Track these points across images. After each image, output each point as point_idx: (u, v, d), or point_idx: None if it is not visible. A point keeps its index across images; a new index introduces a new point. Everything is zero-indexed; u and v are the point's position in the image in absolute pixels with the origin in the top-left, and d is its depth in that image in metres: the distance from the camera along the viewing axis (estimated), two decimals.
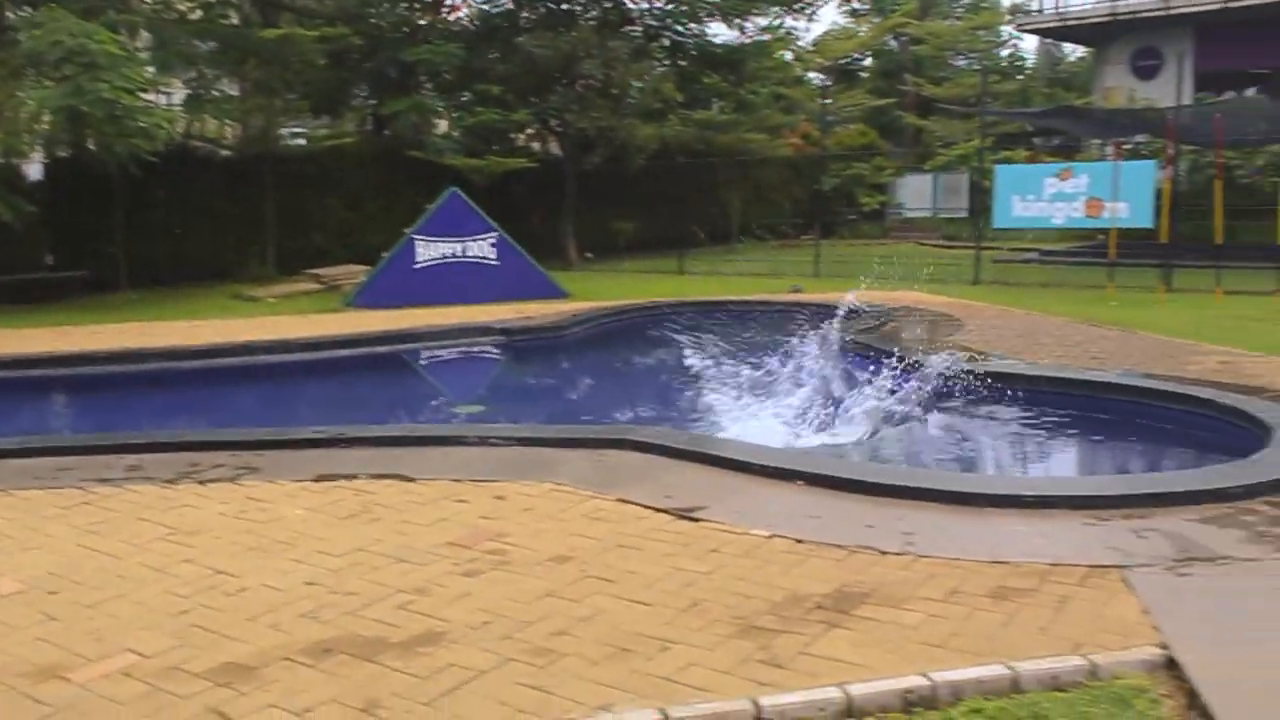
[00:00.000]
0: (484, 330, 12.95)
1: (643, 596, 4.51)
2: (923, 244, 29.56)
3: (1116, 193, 17.49)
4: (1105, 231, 18.69)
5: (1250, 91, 30.01)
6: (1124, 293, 16.88)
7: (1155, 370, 9.76)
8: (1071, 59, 46.07)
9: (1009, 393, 8.95)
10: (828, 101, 37.22)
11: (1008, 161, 26.13)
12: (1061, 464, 6.99)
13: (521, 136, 29.26)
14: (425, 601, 4.49)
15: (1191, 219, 22.44)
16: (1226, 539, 5.05)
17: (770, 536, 5.21)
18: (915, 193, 23.84)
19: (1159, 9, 29.85)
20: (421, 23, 25.78)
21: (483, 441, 7.14)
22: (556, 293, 18.11)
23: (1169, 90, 21.65)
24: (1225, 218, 17.40)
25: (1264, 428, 7.03)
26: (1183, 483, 5.72)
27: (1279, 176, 22.06)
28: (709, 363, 10.85)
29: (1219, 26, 29.54)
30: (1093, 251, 22.28)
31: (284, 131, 25.31)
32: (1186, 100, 24.25)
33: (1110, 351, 10.91)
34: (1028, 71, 46.15)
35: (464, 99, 25.57)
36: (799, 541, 5.12)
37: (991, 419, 8.28)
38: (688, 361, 11.16)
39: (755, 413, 8.81)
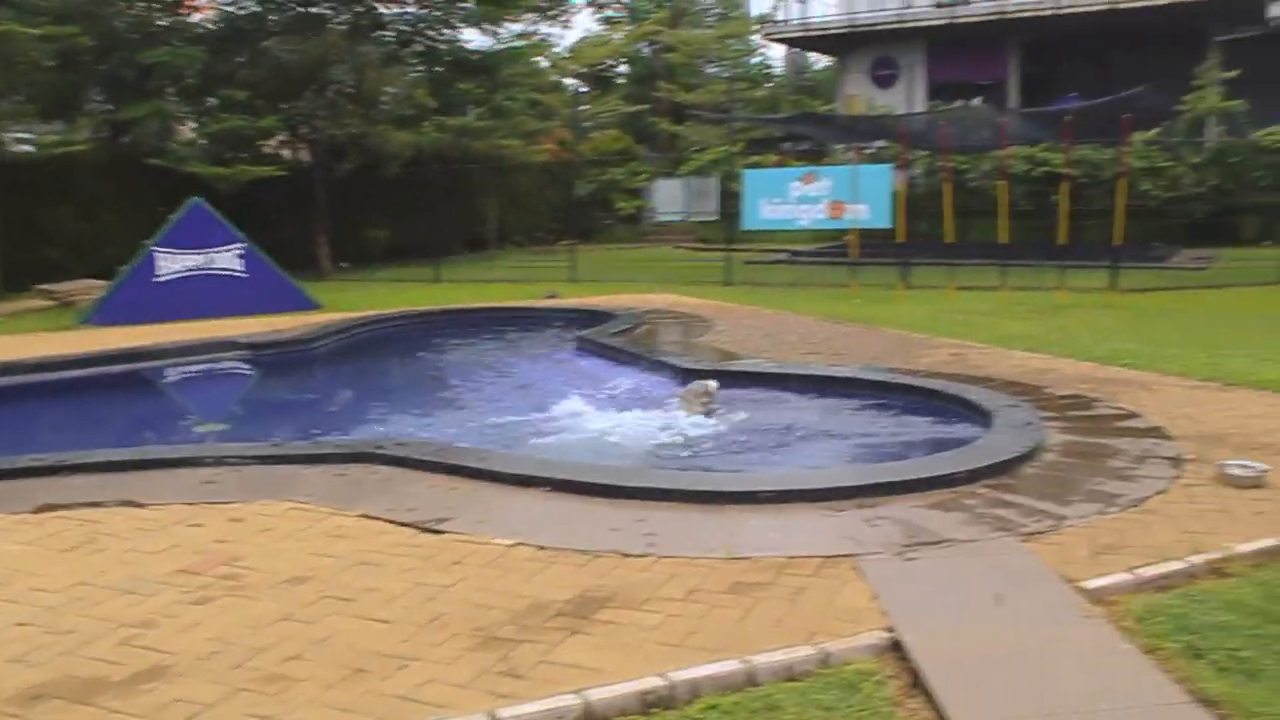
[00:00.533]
0: (227, 345, 12.41)
1: (382, 614, 4.39)
2: (678, 247, 30.14)
3: (856, 195, 18.23)
4: (849, 232, 19.46)
5: (976, 101, 31.91)
6: (866, 290, 17.61)
7: (892, 363, 10.21)
8: (817, 68, 47.91)
9: (755, 390, 9.23)
10: (584, 108, 37.48)
11: (759, 166, 26.94)
12: (800, 458, 7.17)
13: (271, 143, 28.34)
14: (151, 635, 4.25)
15: (927, 219, 23.67)
16: (950, 522, 5.30)
17: (514, 545, 5.15)
18: (667, 197, 24.27)
19: (894, 22, 31.40)
20: (161, 24, 24.58)
21: (219, 462, 6.83)
22: (308, 304, 17.55)
23: (904, 99, 22.77)
24: (957, 218, 18.40)
25: (986, 414, 7.44)
26: (911, 471, 5.99)
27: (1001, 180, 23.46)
28: (460, 371, 10.76)
29: (947, 40, 31.32)
30: (838, 251, 23.20)
31: (8, 137, 23.64)
32: (919, 108, 25.58)
33: (851, 347, 11.34)
34: (776, 79, 47.72)
35: (209, 104, 24.49)
36: (542, 549, 5.09)
37: (733, 418, 8.45)
38: (439, 371, 11.04)
39: (503, 419, 8.76)
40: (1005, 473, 6.09)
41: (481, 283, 21.75)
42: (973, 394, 8.07)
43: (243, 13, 25.94)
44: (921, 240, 20.15)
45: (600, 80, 43.68)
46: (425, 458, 6.57)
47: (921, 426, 7.90)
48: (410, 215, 26.81)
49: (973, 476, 5.92)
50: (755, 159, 30.38)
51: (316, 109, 23.78)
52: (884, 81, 32.31)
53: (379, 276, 23.92)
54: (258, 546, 5.27)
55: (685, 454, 7.49)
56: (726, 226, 22.00)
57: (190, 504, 6.04)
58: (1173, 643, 3.98)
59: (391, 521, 5.59)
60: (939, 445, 7.28)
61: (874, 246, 20.46)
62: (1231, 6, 27.02)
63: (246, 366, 11.84)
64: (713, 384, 9.14)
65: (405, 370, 11.39)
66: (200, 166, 22.54)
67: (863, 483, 5.74)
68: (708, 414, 8.66)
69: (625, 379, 10.17)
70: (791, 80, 46.74)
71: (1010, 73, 31.26)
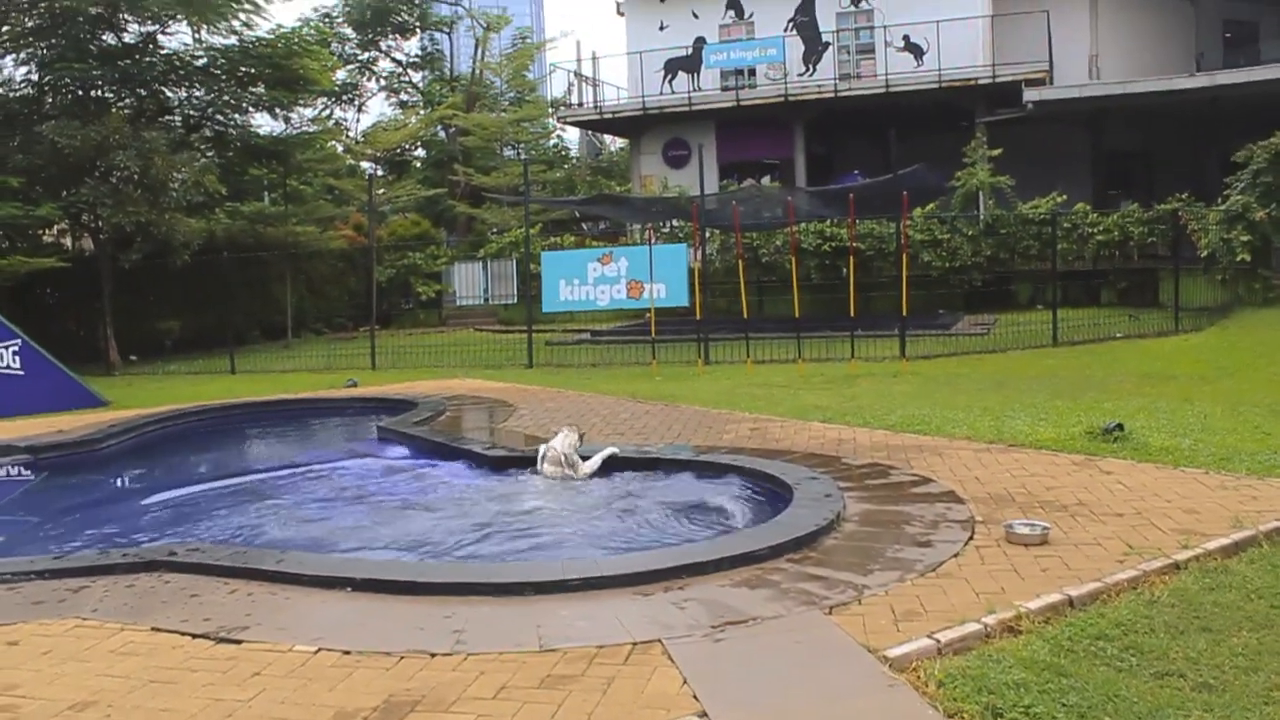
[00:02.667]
0: (3, 449, 11.66)
1: None
2: (480, 329, 30.00)
3: (652, 274, 18.55)
4: (648, 310, 19.75)
5: (765, 179, 33.03)
6: (667, 368, 17.86)
7: (695, 440, 10.34)
8: (613, 149, 48.83)
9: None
10: (381, 192, 37.16)
11: (558, 246, 27.15)
12: (605, 540, 7.14)
13: (52, 233, 27.10)
14: None
15: (724, 295, 24.27)
16: (756, 599, 5.34)
17: (316, 651, 4.95)
18: (466, 280, 24.20)
19: (682, 105, 32.29)
20: None
21: None
22: (93, 401, 16.74)
23: (696, 178, 23.35)
24: (753, 293, 18.92)
25: (787, 488, 7.58)
26: (716, 550, 6.03)
27: (792, 256, 24.28)
28: (259, 469, 10.39)
29: (735, 122, 32.39)
30: (638, 330, 23.49)
31: None
32: (711, 187, 26.28)
33: (655, 426, 11.44)
34: (573, 160, 48.40)
35: None
36: (346, 653, 4.90)
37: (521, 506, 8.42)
38: (236, 469, 10.63)
39: (294, 519, 8.48)
40: (808, 545, 6.20)
41: (280, 373, 21.18)
42: (773, 468, 8.22)
43: (15, 94, 24.89)
44: (719, 316, 20.63)
45: (397, 164, 43.48)
46: (220, 562, 6.28)
47: (725, 503, 7.97)
48: (203, 305, 25.95)
49: (776, 552, 6.00)
50: (554, 240, 30.67)
51: (100, 196, 22.84)
52: (677, 162, 33.10)
53: (172, 369, 23.05)
54: (36, 672, 4.91)
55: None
56: (527, 309, 22.01)
57: None
58: (973, 704, 4.09)
59: (186, 634, 5.29)
60: (744, 520, 7.38)
61: (673, 324, 20.84)
62: (994, 91, 28.83)
63: (26, 472, 11.14)
64: (572, 437, 9.17)
65: (200, 470, 10.91)
66: None
67: (669, 564, 5.75)
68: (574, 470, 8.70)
69: (431, 468, 9.99)
70: (588, 161, 47.49)
71: (797, 151, 32.46)
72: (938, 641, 4.67)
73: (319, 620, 5.40)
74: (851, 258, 17.08)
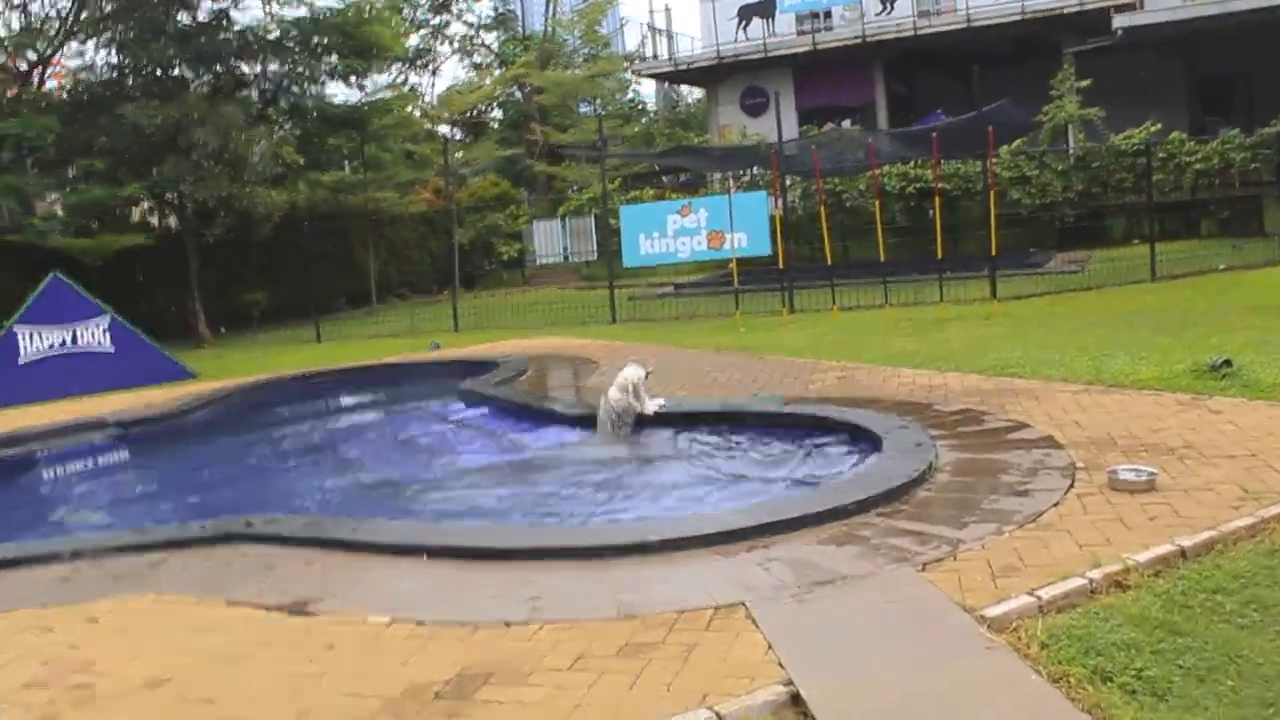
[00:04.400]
0: (95, 425, 11.78)
1: (246, 714, 4.03)
2: (563, 288, 29.91)
3: (733, 223, 18.21)
4: (730, 261, 19.41)
5: (846, 123, 32.32)
6: (751, 318, 17.55)
7: (780, 390, 10.07)
8: (689, 100, 48.26)
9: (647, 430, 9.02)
10: (459, 155, 37.13)
11: (637, 201, 26.87)
12: (689, 501, 6.93)
13: (137, 211, 27.48)
14: None
15: (808, 243, 23.82)
16: (844, 557, 5.10)
17: (390, 623, 4.83)
18: (546, 239, 24.02)
19: (758, 52, 31.69)
20: (9, 94, 23.77)
21: (76, 555, 6.35)
22: (182, 374, 16.92)
23: (774, 126, 22.88)
24: (836, 239, 18.50)
25: (876, 438, 7.30)
26: (802, 506, 5.79)
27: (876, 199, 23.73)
28: (342, 435, 10.37)
29: (813, 67, 31.71)
30: (721, 281, 23.18)
31: None
32: (790, 134, 25.74)
33: (740, 378, 11.19)
34: (650, 113, 47.93)
35: (67, 175, 23.63)
36: (420, 624, 4.77)
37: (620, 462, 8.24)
38: (320, 437, 10.61)
39: (376, 485, 8.42)
40: (898, 498, 5.93)
41: (364, 339, 21.26)
42: (862, 418, 7.94)
43: (97, 79, 25.19)
44: (803, 264, 20.22)
45: (474, 126, 43.39)
46: (296, 534, 6.21)
47: (815, 455, 7.72)
48: (288, 275, 26.16)
49: (865, 506, 5.74)
50: (634, 194, 30.39)
51: (181, 173, 23.05)
52: (754, 110, 32.55)
53: (259, 340, 23.28)
54: (114, 649, 4.86)
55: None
56: (608, 265, 21.82)
57: (42, 606, 5.58)
58: (1079, 667, 3.82)
59: (261, 607, 5.21)
60: (833, 474, 7.12)
61: (756, 273, 20.48)
62: (1081, 20, 27.80)
63: (117, 446, 11.26)
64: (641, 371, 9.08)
65: (285, 438, 10.91)
66: (61, 240, 21.72)
67: (753, 523, 5.52)
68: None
69: (512, 428, 9.87)
70: (665, 114, 47.01)
71: (877, 94, 31.72)
72: (1039, 599, 4.38)
73: (394, 590, 5.29)
74: (937, 198, 16.53)
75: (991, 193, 17.06)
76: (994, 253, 16.31)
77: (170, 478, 9.54)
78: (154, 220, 27.71)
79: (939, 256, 16.28)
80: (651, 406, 9.21)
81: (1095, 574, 4.61)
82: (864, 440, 7.57)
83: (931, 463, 6.49)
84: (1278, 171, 22.72)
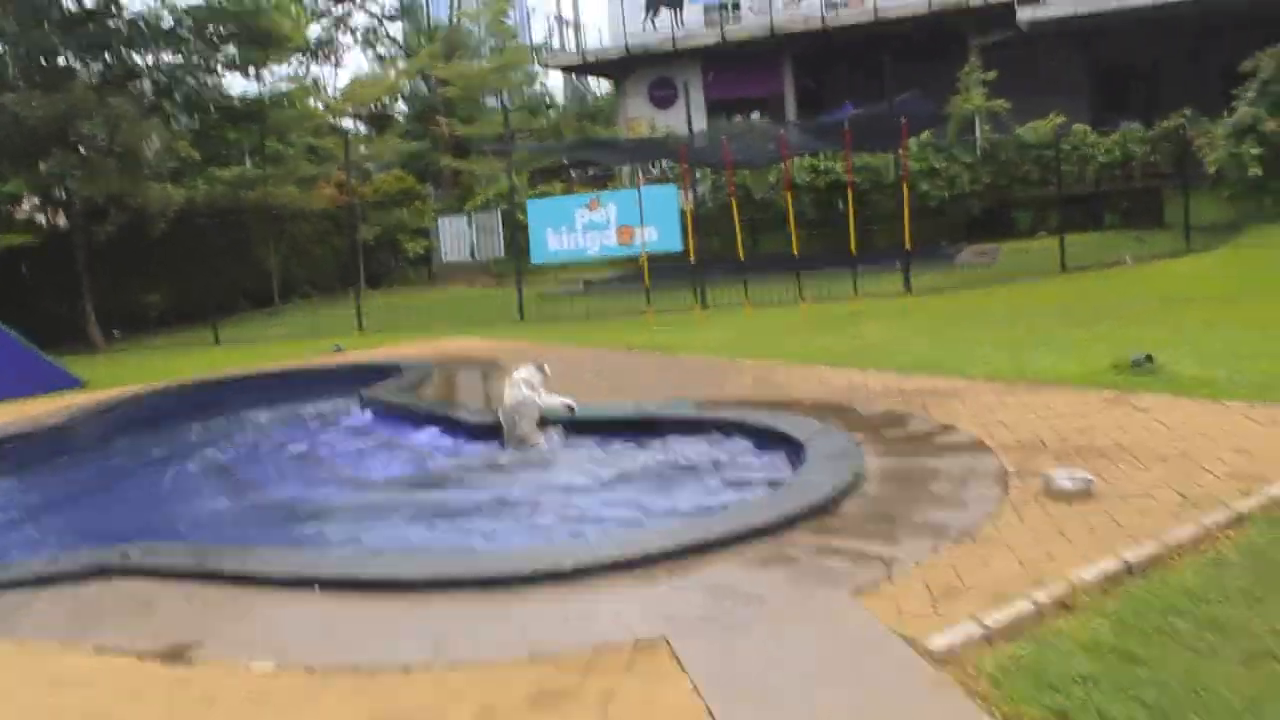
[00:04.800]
0: None
1: None
2: (471, 286, 29.32)
3: (643, 218, 17.84)
4: (640, 257, 19.03)
5: (755, 115, 32.19)
6: (663, 316, 17.22)
7: (696, 393, 9.71)
8: (598, 93, 47.83)
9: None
10: (363, 150, 36.23)
11: (546, 195, 26.37)
12: (601, 517, 6.49)
13: (23, 208, 26.28)
14: None
15: (719, 236, 23.53)
16: (771, 582, 4.74)
17: (278, 670, 4.34)
18: (452, 237, 23.34)
19: (666, 44, 31.39)
20: None
21: None
22: (68, 381, 16.04)
23: (684, 119, 22.57)
24: (748, 233, 18.24)
25: (798, 446, 6.96)
26: (724, 525, 5.40)
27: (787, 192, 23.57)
28: (237, 448, 9.78)
29: (721, 59, 31.50)
30: (632, 278, 22.80)
31: None
32: (699, 126, 25.47)
33: (652, 381, 10.82)
34: (558, 106, 47.38)
35: None
36: (311, 671, 4.29)
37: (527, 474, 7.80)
38: (211, 450, 9.99)
39: (269, 506, 7.86)
40: (827, 512, 5.58)
41: (265, 342, 20.52)
42: (783, 422, 7.59)
43: None
44: (715, 259, 19.89)
45: (379, 119, 42.43)
46: (177, 567, 5.66)
47: (734, 464, 7.34)
48: (186, 275, 25.17)
49: (791, 521, 5.38)
50: (542, 189, 29.88)
51: (68, 168, 22.01)
52: (663, 102, 32.27)
53: (155, 344, 22.38)
54: None
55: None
56: (517, 262, 21.31)
57: None
58: (1035, 707, 3.50)
59: (134, 654, 4.67)
60: (754, 487, 6.75)
61: (667, 269, 20.14)
62: (987, 12, 27.95)
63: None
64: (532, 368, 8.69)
65: (172, 455, 10.21)
66: None
67: (673, 545, 5.12)
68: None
69: (416, 436, 9.36)
70: (574, 107, 46.52)
71: (786, 86, 31.61)
72: (986, 627, 4.05)
73: (284, 629, 4.81)
74: (850, 190, 16.33)
75: (904, 184, 16.92)
76: (908, 245, 16.14)
77: (44, 502, 8.85)
78: (42, 218, 26.55)
79: (852, 250, 16.08)
80: (557, 402, 8.81)
81: (1040, 595, 4.30)
82: (785, 447, 7.23)
83: (858, 472, 6.16)
84: (1176, 164, 22.98)
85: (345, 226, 30.86)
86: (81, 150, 22.72)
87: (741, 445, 7.67)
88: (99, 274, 23.80)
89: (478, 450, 8.57)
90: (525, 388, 8.60)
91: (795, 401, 8.73)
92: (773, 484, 6.60)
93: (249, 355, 18.09)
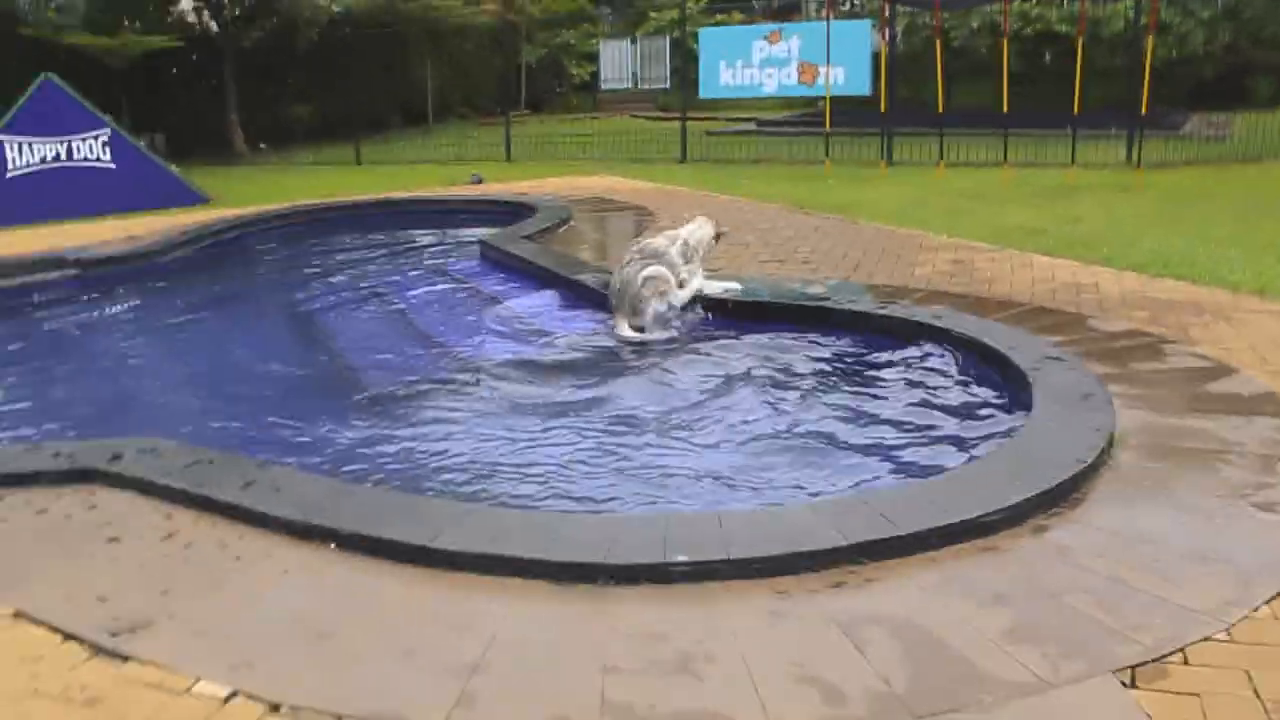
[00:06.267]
0: (52, 262, 9.87)
1: None
2: (636, 116, 27.44)
3: (829, 55, 15.65)
4: (821, 99, 16.87)
5: None
6: (842, 168, 15.19)
7: (877, 274, 7.91)
8: None
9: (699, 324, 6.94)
10: None
11: (724, 25, 24.08)
12: (743, 464, 4.76)
13: (179, 9, 25.16)
14: None
15: (908, 84, 21.04)
16: (984, 632, 3.03)
17: (229, 696, 2.89)
18: (614, 62, 21.32)
19: None
20: None
21: None
22: (192, 198, 14.96)
23: None
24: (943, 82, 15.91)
25: (1018, 375, 5.15)
26: (917, 509, 3.66)
27: (992, 38, 20.79)
28: (321, 298, 8.40)
29: None
30: (812, 120, 20.62)
31: None
32: None
33: (824, 249, 8.98)
34: None
35: None
36: (274, 708, 2.82)
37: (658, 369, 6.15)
38: (296, 295, 8.63)
39: (332, 380, 6.42)
40: (1065, 499, 3.84)
41: (407, 164, 19.18)
42: (999, 337, 5.73)
43: None
44: (904, 108, 17.56)
45: None
46: (168, 482, 4.25)
47: (931, 389, 5.53)
48: (338, 88, 23.86)
49: (1017, 515, 3.66)
50: (720, 17, 27.55)
51: None
52: None
53: (298, 160, 21.21)
54: None
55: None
56: (683, 96, 19.33)
57: None
58: None
59: (61, 632, 3.29)
60: (954, 432, 4.96)
61: (849, 115, 17.96)
62: None
63: (64, 294, 9.35)
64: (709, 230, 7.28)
65: (255, 296, 8.89)
66: (79, 36, 19.60)
67: (844, 541, 3.45)
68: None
69: (529, 298, 7.81)
70: None
71: None
72: None
73: (265, 614, 3.33)
74: (1080, 38, 13.82)
75: (1150, 36, 14.34)
76: (1144, 108, 13.64)
77: (97, 350, 7.59)
78: (194, 20, 25.42)
79: (1075, 108, 13.66)
80: (717, 288, 7.15)
81: None
82: (998, 370, 5.43)
83: (1111, 435, 4.35)
84: None
85: (509, 46, 29.17)
86: None
87: (937, 359, 5.87)
88: (247, 83, 22.66)
89: (602, 329, 6.95)
90: (677, 255, 6.95)
91: (1007, 302, 6.85)
92: (982, 436, 4.82)
93: (385, 179, 16.77)
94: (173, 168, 15.72)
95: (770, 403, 5.44)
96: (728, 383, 5.77)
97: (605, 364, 6.32)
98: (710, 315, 6.98)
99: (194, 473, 4.33)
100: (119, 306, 8.95)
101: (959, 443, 4.78)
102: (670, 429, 5.16)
